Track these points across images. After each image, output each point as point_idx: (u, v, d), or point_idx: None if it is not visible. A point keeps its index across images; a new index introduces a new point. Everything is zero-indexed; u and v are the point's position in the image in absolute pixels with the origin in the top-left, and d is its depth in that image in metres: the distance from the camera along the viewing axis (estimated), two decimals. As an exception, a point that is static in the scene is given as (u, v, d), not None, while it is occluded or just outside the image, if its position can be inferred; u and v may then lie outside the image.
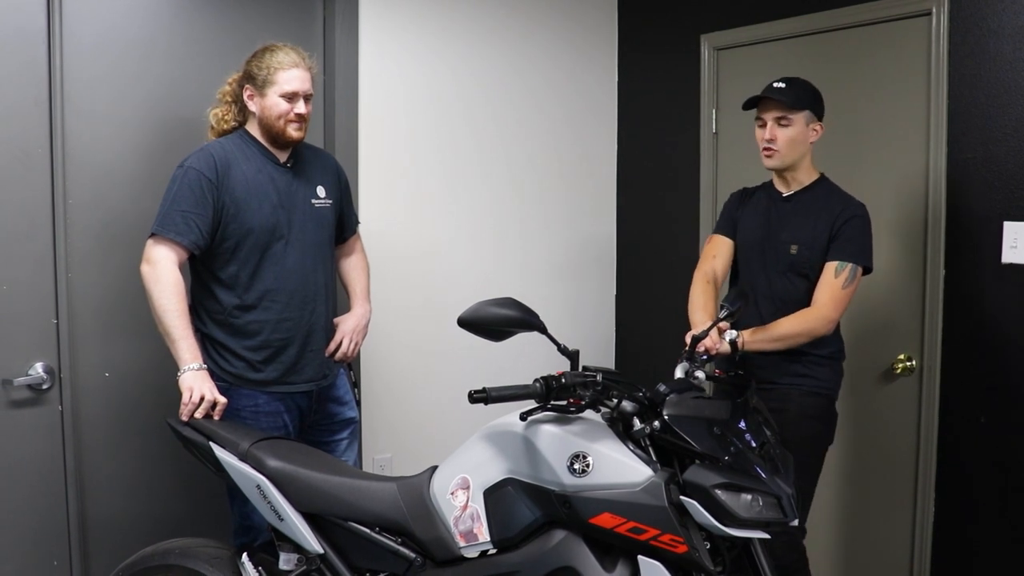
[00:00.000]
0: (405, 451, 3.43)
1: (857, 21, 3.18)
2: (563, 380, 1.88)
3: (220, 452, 2.26)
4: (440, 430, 3.47)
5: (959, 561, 2.99)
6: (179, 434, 2.37)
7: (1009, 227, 2.82)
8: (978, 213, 2.90)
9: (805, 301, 2.63)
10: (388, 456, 3.40)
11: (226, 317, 2.52)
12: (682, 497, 1.80)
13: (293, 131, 2.56)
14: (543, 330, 1.92)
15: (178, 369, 2.39)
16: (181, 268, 2.44)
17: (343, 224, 2.81)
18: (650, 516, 1.79)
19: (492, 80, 3.64)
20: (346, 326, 2.75)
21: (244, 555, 2.28)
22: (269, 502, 2.17)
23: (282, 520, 2.17)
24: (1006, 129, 2.82)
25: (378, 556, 2.12)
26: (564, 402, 1.92)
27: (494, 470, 1.99)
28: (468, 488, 2.02)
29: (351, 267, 2.90)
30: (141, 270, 2.43)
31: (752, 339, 2.58)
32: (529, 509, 1.93)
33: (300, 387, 2.61)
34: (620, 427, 1.94)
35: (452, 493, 2.04)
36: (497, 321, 1.89)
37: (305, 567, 2.19)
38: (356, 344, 2.76)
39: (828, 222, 2.62)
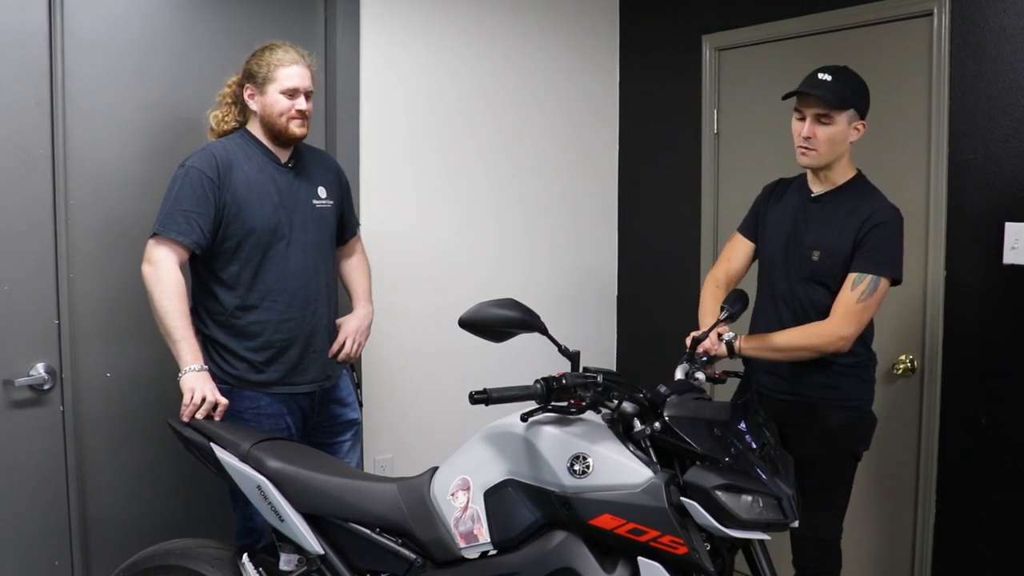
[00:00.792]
0: (406, 452, 3.43)
1: (858, 22, 3.18)
2: (564, 381, 1.88)
3: (221, 453, 2.26)
4: (441, 431, 3.48)
5: (960, 562, 2.99)
6: (180, 435, 2.37)
7: (1010, 228, 2.82)
8: (979, 214, 2.90)
9: (827, 311, 2.46)
10: (389, 456, 3.40)
11: (227, 318, 2.52)
12: (682, 498, 1.80)
13: (296, 128, 2.56)
14: (544, 331, 1.92)
15: (179, 370, 2.39)
16: (182, 268, 2.44)
17: (344, 225, 2.81)
18: (650, 517, 1.79)
19: (494, 81, 3.64)
20: (348, 327, 2.76)
21: (245, 556, 2.28)
22: (269, 503, 2.18)
23: (282, 521, 2.17)
24: (1007, 130, 2.82)
25: (378, 557, 2.12)
26: (565, 403, 1.92)
27: (494, 471, 2.00)
28: (468, 489, 2.02)
29: (352, 268, 2.90)
30: (142, 270, 2.43)
31: (749, 345, 2.49)
32: (529, 510, 1.93)
33: (303, 388, 2.61)
34: (620, 428, 1.94)
35: (452, 494, 2.04)
36: (498, 322, 1.89)
37: (305, 568, 2.19)
38: (359, 345, 2.77)
39: (854, 229, 2.43)
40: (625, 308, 4.13)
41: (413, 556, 2.07)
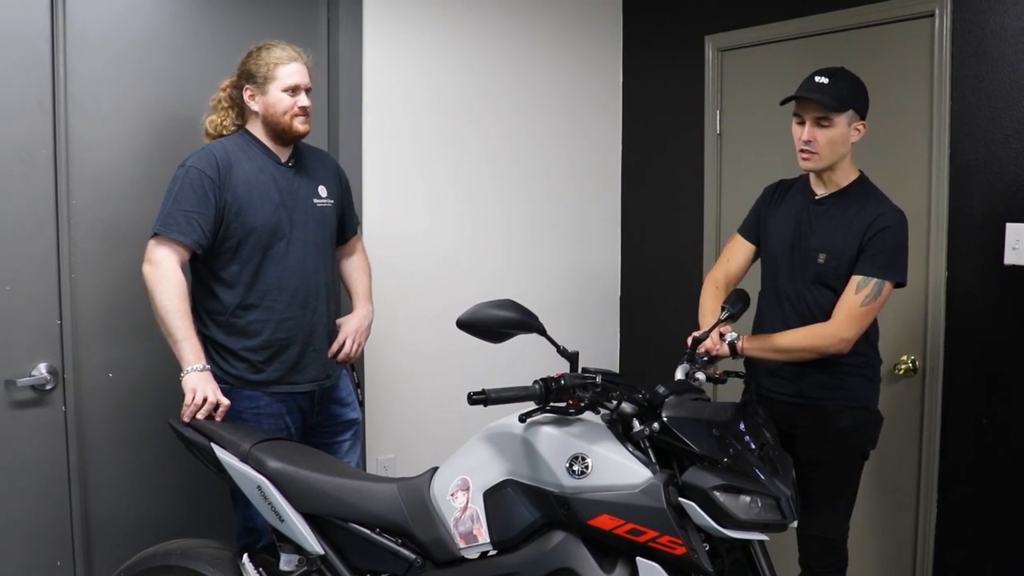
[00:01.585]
0: (408, 452, 3.43)
1: (860, 22, 3.18)
2: (562, 382, 1.88)
3: (221, 453, 2.26)
4: (442, 431, 3.48)
5: (961, 561, 2.99)
6: (180, 435, 2.38)
7: (1011, 229, 2.82)
8: (980, 215, 2.90)
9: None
10: (391, 457, 3.41)
11: (227, 317, 2.52)
12: (681, 499, 1.81)
13: (299, 124, 2.57)
14: (542, 331, 1.92)
15: (181, 370, 2.40)
16: (183, 268, 2.45)
17: (344, 225, 2.81)
18: (649, 518, 1.79)
19: (497, 82, 3.65)
20: (349, 327, 2.76)
21: (245, 556, 2.28)
22: (270, 503, 2.18)
23: (283, 521, 2.18)
24: (1008, 131, 2.82)
25: (378, 557, 2.12)
26: (563, 404, 1.92)
27: (494, 471, 2.00)
28: (468, 489, 2.02)
29: (353, 268, 2.90)
30: (143, 270, 2.43)
31: (751, 345, 2.49)
32: (528, 510, 1.94)
33: (302, 387, 2.61)
34: (619, 429, 1.94)
35: (452, 494, 2.04)
36: (496, 323, 1.89)
37: (306, 568, 2.19)
38: (359, 345, 2.77)
39: (859, 232, 2.42)
40: (628, 308, 4.13)
41: (413, 556, 2.07)
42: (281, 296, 2.55)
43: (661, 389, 1.94)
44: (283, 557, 2.24)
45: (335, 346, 2.71)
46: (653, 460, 1.88)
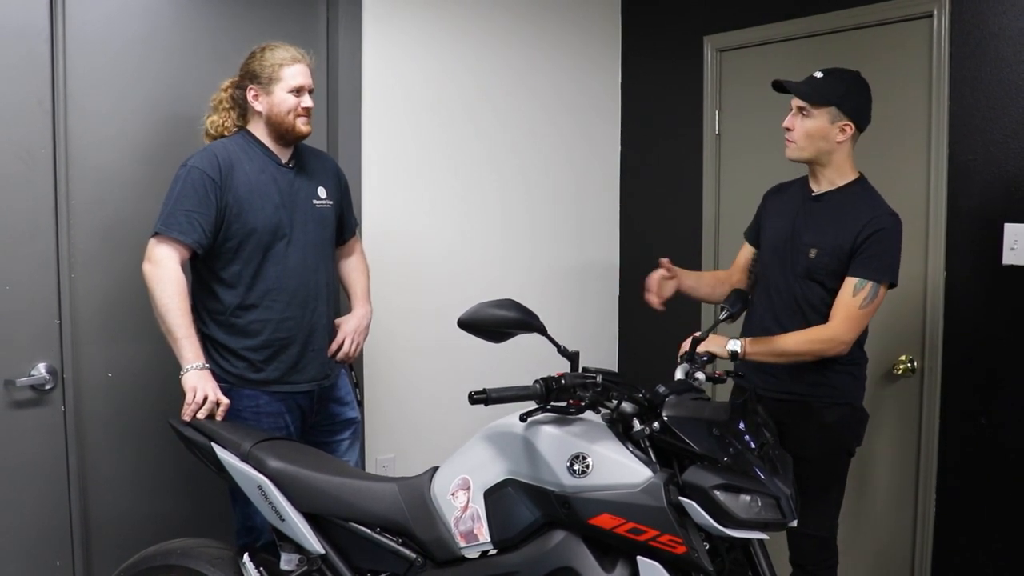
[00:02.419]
0: (408, 451, 3.44)
1: (859, 23, 3.19)
2: (563, 381, 1.89)
3: (221, 453, 2.26)
4: (443, 431, 3.48)
5: (960, 561, 2.99)
6: (181, 434, 2.38)
7: (1009, 229, 2.82)
8: (978, 215, 2.91)
9: (821, 307, 2.53)
10: (391, 456, 3.41)
11: (228, 317, 2.52)
12: (681, 498, 1.81)
13: (302, 125, 2.58)
14: (543, 331, 1.93)
15: (181, 369, 2.40)
16: (183, 268, 2.45)
17: (343, 225, 2.82)
18: (649, 517, 1.79)
19: (496, 82, 3.65)
20: (347, 326, 2.77)
21: (245, 555, 2.29)
22: (270, 502, 2.18)
23: (283, 520, 2.18)
24: (1006, 131, 2.83)
25: (379, 556, 2.12)
26: (564, 403, 1.92)
27: (494, 471, 2.00)
28: (468, 489, 2.02)
29: (351, 268, 2.91)
30: (143, 269, 2.43)
31: (754, 350, 2.50)
32: (529, 510, 1.94)
33: (302, 387, 2.62)
34: (620, 428, 1.95)
35: (453, 494, 2.05)
36: (496, 322, 1.90)
37: (306, 567, 2.19)
38: (357, 344, 2.77)
39: (853, 232, 2.46)
40: (627, 308, 4.14)
41: (413, 555, 2.07)
42: (281, 296, 2.56)
43: (661, 389, 1.94)
44: (283, 556, 2.24)
45: (334, 345, 2.71)
46: (653, 459, 1.88)
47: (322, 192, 2.68)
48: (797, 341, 2.48)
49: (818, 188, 2.61)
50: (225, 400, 2.41)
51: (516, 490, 1.96)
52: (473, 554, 2.03)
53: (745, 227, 2.90)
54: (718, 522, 1.78)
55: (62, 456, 2.67)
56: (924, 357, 3.06)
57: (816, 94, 2.48)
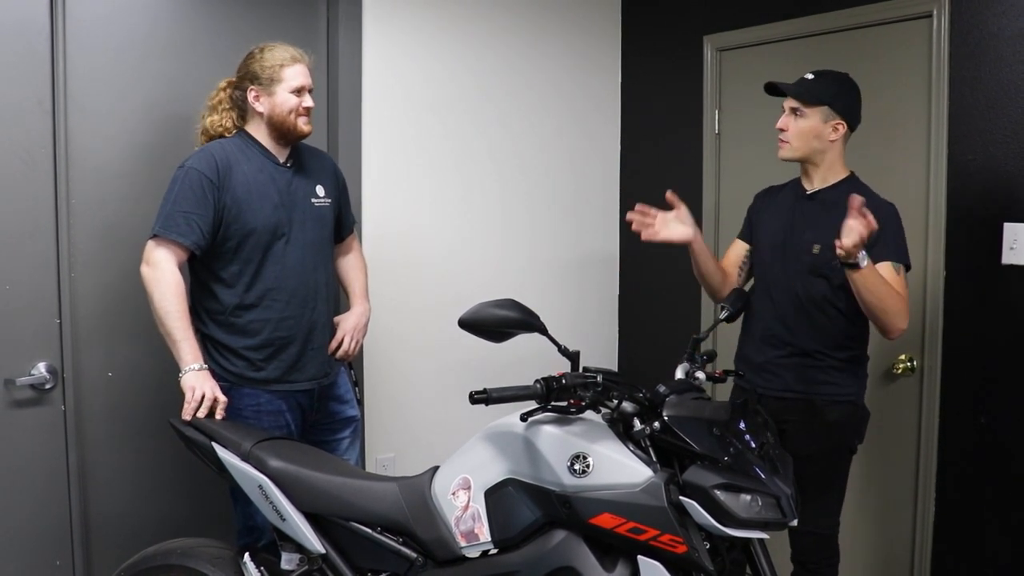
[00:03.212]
0: (408, 451, 3.44)
1: (858, 23, 3.19)
2: (563, 381, 1.89)
3: (222, 452, 2.27)
4: (443, 430, 3.48)
5: (960, 561, 3.00)
6: (181, 434, 2.38)
7: (1009, 228, 2.82)
8: (978, 214, 2.91)
9: (824, 304, 2.53)
10: (391, 456, 3.41)
11: (227, 317, 2.52)
12: (681, 497, 1.81)
13: (303, 125, 2.58)
14: (543, 331, 1.93)
15: (179, 370, 2.40)
16: (181, 269, 2.45)
17: (340, 223, 2.82)
18: (650, 516, 1.79)
19: (496, 81, 3.65)
20: (347, 324, 2.77)
21: (246, 555, 2.29)
22: (271, 502, 2.18)
23: (284, 520, 2.18)
24: (1006, 131, 2.83)
25: (380, 556, 2.13)
26: (564, 403, 1.92)
27: (495, 470, 2.00)
28: (469, 488, 2.03)
29: (349, 266, 2.91)
30: (141, 271, 2.43)
31: (868, 273, 2.32)
32: (530, 509, 1.94)
33: (302, 385, 2.62)
34: (620, 428, 1.95)
35: (453, 493, 2.05)
36: (497, 322, 1.90)
37: (307, 567, 2.20)
38: (357, 342, 2.78)
39: None
40: (627, 306, 4.14)
41: (414, 555, 2.08)
42: (280, 295, 2.56)
43: (662, 388, 1.94)
44: (284, 556, 2.24)
45: (334, 343, 2.71)
46: (654, 459, 1.88)
47: (320, 191, 2.68)
48: (889, 292, 2.37)
49: (811, 187, 2.64)
50: (223, 398, 2.41)
51: (517, 490, 1.96)
52: (474, 554, 2.03)
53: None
54: (719, 521, 1.78)
55: (62, 455, 2.67)
56: (924, 356, 3.06)
57: (809, 94, 2.53)
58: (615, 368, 4.15)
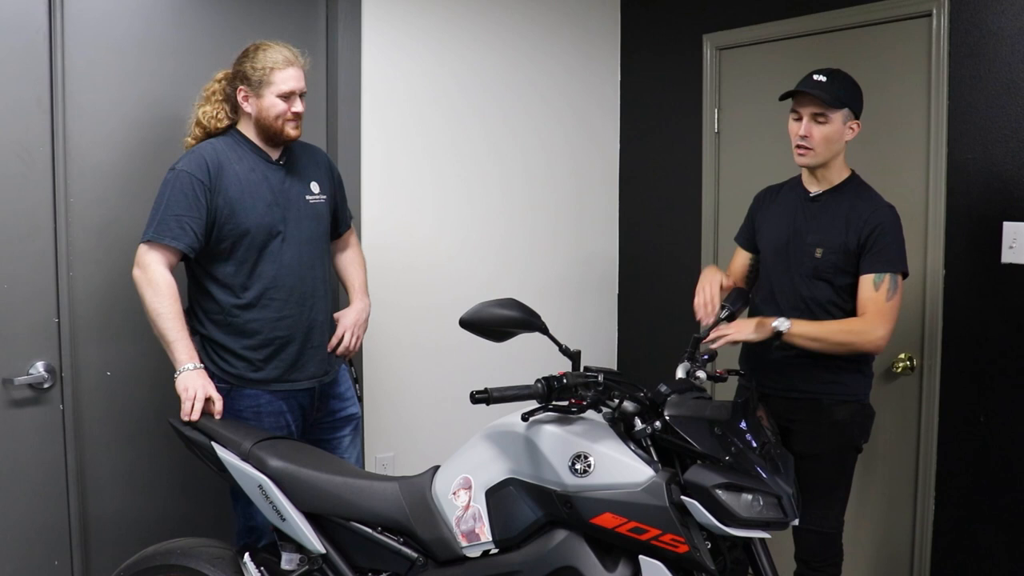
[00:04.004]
0: (408, 450, 3.43)
1: (858, 22, 3.19)
2: (564, 381, 1.89)
3: (222, 452, 2.26)
4: (443, 430, 3.48)
5: (959, 560, 3.00)
6: (181, 434, 2.37)
7: (1008, 227, 2.83)
8: (977, 213, 2.91)
9: (829, 307, 2.54)
10: (391, 455, 3.41)
11: (225, 317, 2.51)
12: (683, 497, 1.81)
13: (291, 130, 2.56)
14: (544, 330, 1.93)
15: (175, 370, 2.39)
16: (173, 271, 2.44)
17: (337, 219, 2.80)
18: (651, 516, 1.80)
19: (495, 79, 3.64)
20: (347, 320, 2.75)
21: (246, 555, 2.28)
22: (271, 502, 2.18)
23: (284, 520, 2.18)
24: (1005, 130, 2.83)
25: (380, 556, 2.12)
26: (566, 402, 1.92)
27: (496, 470, 2.00)
28: (470, 488, 2.02)
29: (348, 262, 2.90)
30: (134, 275, 2.42)
31: (798, 330, 2.44)
32: (531, 509, 1.94)
33: (302, 384, 2.61)
34: (621, 427, 1.95)
35: (454, 493, 2.05)
36: (498, 322, 1.90)
37: (307, 567, 2.19)
38: (357, 338, 2.76)
39: (856, 230, 2.48)
40: (626, 306, 4.14)
41: (415, 555, 2.07)
42: (278, 294, 2.55)
43: (663, 388, 1.94)
44: (284, 556, 2.24)
45: (334, 340, 2.70)
46: (655, 458, 1.88)
47: (315, 187, 2.66)
48: (833, 329, 2.46)
49: (816, 189, 2.62)
50: (217, 396, 2.39)
51: (518, 489, 1.96)
52: (475, 553, 2.03)
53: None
54: (720, 521, 1.79)
55: (60, 455, 2.66)
56: (923, 355, 3.07)
57: (834, 98, 2.47)
58: (615, 367, 4.15)
